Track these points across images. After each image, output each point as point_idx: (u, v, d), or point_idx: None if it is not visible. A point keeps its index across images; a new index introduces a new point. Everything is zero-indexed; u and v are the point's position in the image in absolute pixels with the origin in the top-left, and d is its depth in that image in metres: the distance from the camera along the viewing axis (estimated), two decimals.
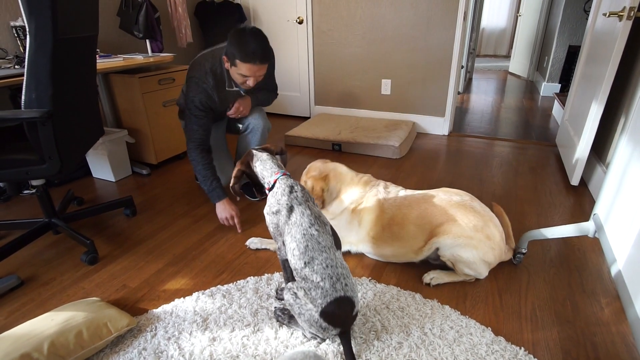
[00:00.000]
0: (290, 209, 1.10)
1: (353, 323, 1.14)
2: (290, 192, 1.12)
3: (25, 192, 2.24)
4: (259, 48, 1.58)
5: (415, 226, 1.42)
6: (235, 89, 1.84)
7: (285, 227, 1.10)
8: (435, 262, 1.48)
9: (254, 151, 1.25)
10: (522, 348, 1.14)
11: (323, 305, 1.04)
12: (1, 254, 1.53)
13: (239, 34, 1.60)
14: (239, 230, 1.61)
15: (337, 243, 1.14)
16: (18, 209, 2.09)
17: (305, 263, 1.06)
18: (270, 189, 1.16)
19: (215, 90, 1.78)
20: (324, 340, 1.17)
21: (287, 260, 1.19)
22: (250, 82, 1.68)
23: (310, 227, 1.07)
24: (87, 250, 1.60)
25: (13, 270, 1.58)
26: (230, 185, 1.28)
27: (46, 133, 1.31)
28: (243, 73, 1.64)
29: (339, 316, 1.06)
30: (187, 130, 1.80)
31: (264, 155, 1.21)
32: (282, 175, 1.15)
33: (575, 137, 2.24)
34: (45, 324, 1.11)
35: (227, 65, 1.69)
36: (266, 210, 1.18)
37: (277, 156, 1.30)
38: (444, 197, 1.44)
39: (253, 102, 1.99)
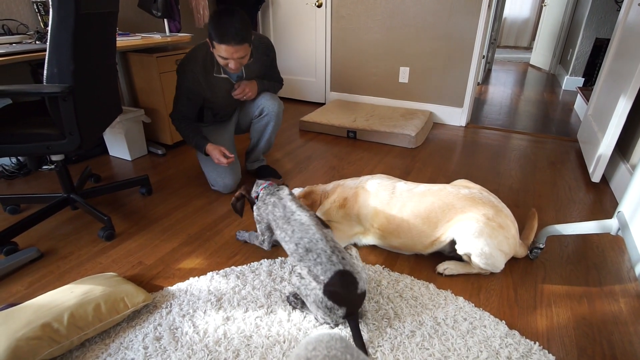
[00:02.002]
0: (274, 205, 1.29)
1: (360, 305, 1.14)
2: (273, 193, 1.33)
3: (45, 167, 2.28)
4: (232, 29, 1.56)
5: (422, 219, 1.41)
6: (223, 75, 1.83)
7: (273, 223, 1.29)
8: (450, 255, 1.46)
9: (257, 180, 1.46)
10: (537, 343, 1.13)
11: (325, 281, 1.09)
12: (22, 226, 1.56)
13: (216, 15, 1.58)
14: (231, 158, 1.83)
15: (324, 224, 1.25)
16: (37, 183, 2.13)
17: (296, 244, 1.18)
18: (257, 197, 1.39)
19: (204, 76, 1.79)
20: (337, 325, 1.17)
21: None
22: (232, 65, 1.66)
23: (292, 215, 1.24)
24: (105, 227, 1.63)
25: (33, 242, 1.62)
26: (232, 202, 1.44)
27: (67, 108, 1.32)
28: (221, 55, 1.63)
29: (342, 293, 1.08)
30: (175, 107, 1.89)
31: (261, 181, 1.43)
32: (268, 184, 1.38)
33: (599, 133, 2.18)
34: (65, 295, 1.13)
35: (211, 48, 1.68)
36: (255, 213, 1.39)
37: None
38: (452, 190, 1.42)
39: (259, 87, 1.97)
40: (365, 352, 1.07)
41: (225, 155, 1.85)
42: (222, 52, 1.61)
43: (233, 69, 1.69)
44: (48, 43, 1.22)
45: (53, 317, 1.05)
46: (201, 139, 1.88)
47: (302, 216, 1.22)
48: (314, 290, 1.11)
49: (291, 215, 1.24)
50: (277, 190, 1.35)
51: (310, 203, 1.64)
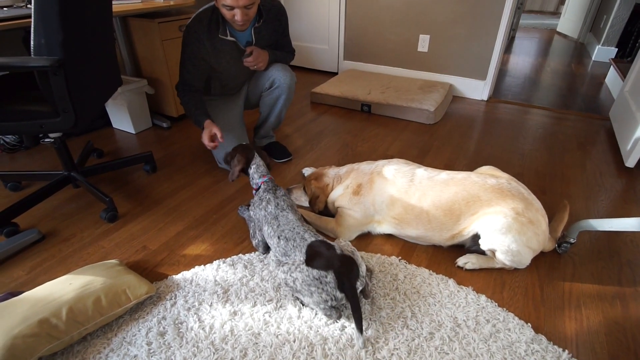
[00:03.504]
0: (268, 201, 1.30)
1: (352, 273, 1.06)
2: (270, 190, 1.32)
3: (46, 140, 2.19)
4: None
5: (444, 211, 1.30)
6: (230, 38, 1.68)
7: (263, 219, 1.29)
8: (472, 249, 1.36)
9: (256, 160, 1.42)
10: (566, 350, 1.05)
11: (303, 256, 1.10)
12: (23, 206, 1.50)
13: None
14: (221, 139, 1.64)
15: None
16: (40, 157, 2.06)
17: (278, 237, 1.20)
18: (257, 189, 1.37)
19: (208, 38, 1.66)
20: (339, 304, 1.08)
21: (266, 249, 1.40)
22: (238, 17, 1.53)
23: (282, 211, 1.26)
24: (107, 208, 1.55)
25: (34, 222, 1.56)
26: (225, 158, 1.47)
27: (58, 84, 1.20)
28: (226, 3, 1.50)
29: (322, 256, 1.07)
30: (180, 75, 1.76)
31: (260, 162, 1.41)
32: (269, 178, 1.37)
33: (637, 113, 2.00)
34: (64, 288, 1.07)
35: (215, 2, 1.56)
36: (251, 208, 1.37)
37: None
38: (477, 180, 1.29)
39: (270, 58, 1.82)
40: (360, 328, 1.01)
41: (214, 138, 1.67)
42: None
43: (239, 22, 1.56)
44: (32, 9, 1.09)
45: (51, 312, 0.99)
46: (201, 114, 1.71)
47: (289, 214, 1.26)
48: (297, 269, 1.07)
49: (281, 211, 1.26)
50: (275, 188, 1.35)
51: (321, 186, 1.54)
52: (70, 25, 1.18)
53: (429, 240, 1.40)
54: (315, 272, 1.05)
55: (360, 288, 1.08)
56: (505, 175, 1.35)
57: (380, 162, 1.48)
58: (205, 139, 1.65)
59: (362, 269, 1.10)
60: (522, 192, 1.27)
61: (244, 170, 1.41)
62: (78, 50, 1.26)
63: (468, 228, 1.28)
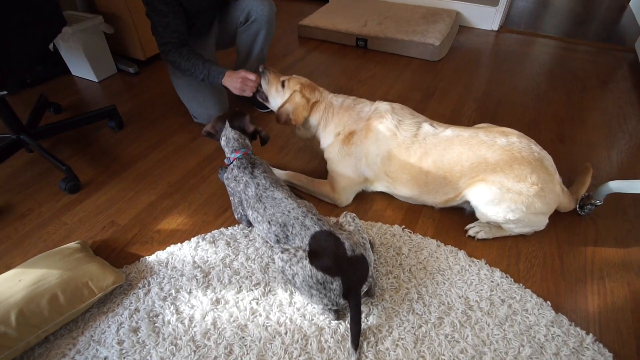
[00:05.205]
0: (246, 184, 1.10)
1: (361, 275, 0.91)
2: (245, 168, 1.11)
3: None
4: None
5: (444, 172, 1.13)
6: None
7: (245, 202, 1.11)
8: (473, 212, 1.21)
9: (227, 122, 1.19)
10: (590, 334, 0.94)
11: (306, 247, 0.93)
12: None
13: None
14: (255, 80, 1.37)
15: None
16: None
17: (269, 222, 1.02)
18: (229, 165, 1.17)
19: None
20: (338, 307, 0.95)
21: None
22: None
23: (265, 191, 1.07)
24: (66, 177, 1.35)
25: None
26: (203, 134, 1.23)
27: None
28: None
29: (329, 256, 0.89)
30: (154, 32, 1.45)
31: (231, 134, 1.17)
32: (243, 154, 1.15)
33: None
34: (12, 286, 0.91)
35: None
36: (225, 183, 1.19)
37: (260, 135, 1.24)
38: (486, 140, 1.09)
39: None
40: (357, 344, 0.88)
41: (248, 78, 1.38)
42: None
43: None
44: None
45: None
46: (212, 66, 1.43)
47: (275, 191, 1.06)
48: (300, 263, 0.89)
49: (264, 191, 1.06)
50: (252, 166, 1.12)
51: (308, 98, 1.27)
52: None
53: (421, 202, 1.26)
54: (320, 275, 0.87)
55: (365, 289, 0.94)
56: (514, 134, 1.13)
57: (382, 107, 1.24)
58: (243, 86, 1.39)
59: (371, 267, 0.94)
60: (533, 151, 1.07)
61: (214, 137, 1.23)
62: None
63: (460, 194, 1.13)
